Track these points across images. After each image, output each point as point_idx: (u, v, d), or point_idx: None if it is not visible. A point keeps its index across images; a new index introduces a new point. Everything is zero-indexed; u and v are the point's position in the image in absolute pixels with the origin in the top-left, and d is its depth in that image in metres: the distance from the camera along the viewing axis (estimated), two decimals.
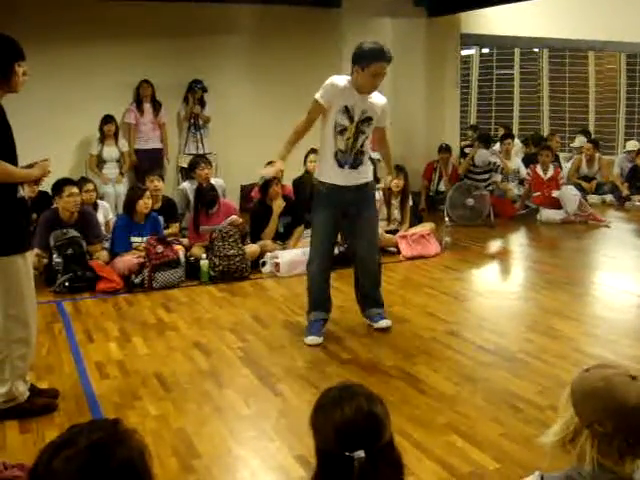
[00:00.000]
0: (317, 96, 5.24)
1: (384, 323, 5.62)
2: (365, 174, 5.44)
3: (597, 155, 12.44)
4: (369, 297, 5.70)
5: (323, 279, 5.53)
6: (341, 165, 5.31)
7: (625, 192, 11.70)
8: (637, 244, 9.30)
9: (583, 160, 12.41)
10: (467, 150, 11.29)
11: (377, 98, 5.38)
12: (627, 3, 13.18)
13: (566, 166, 12.46)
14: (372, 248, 5.58)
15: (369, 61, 5.08)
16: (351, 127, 5.26)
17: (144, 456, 1.64)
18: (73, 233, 7.00)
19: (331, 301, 5.61)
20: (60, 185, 7.11)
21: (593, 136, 13.52)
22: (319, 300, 5.53)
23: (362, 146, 5.34)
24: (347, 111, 5.23)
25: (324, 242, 5.48)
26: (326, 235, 5.48)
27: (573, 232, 9.72)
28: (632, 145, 12.99)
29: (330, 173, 5.34)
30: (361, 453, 1.80)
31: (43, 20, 9.17)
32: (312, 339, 5.36)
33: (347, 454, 1.81)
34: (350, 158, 5.31)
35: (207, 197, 7.78)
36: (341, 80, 5.26)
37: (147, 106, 9.87)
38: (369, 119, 5.31)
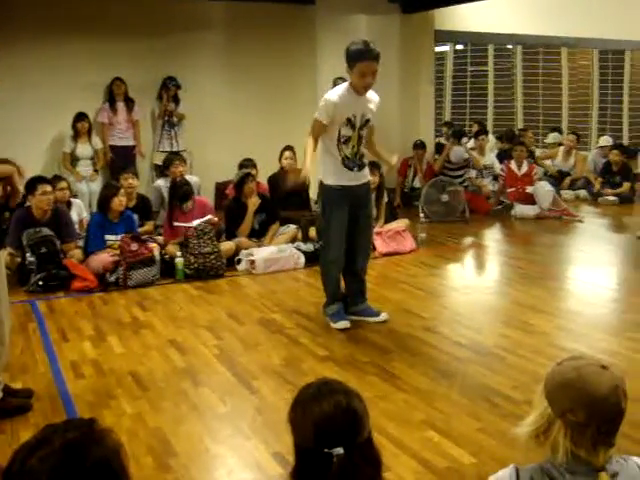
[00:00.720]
0: (316, 116, 5.38)
1: (383, 316, 5.76)
2: (367, 172, 5.73)
3: (574, 150, 12.55)
4: (360, 290, 5.85)
5: (340, 274, 5.76)
6: (350, 169, 5.49)
7: (597, 187, 11.78)
8: (610, 239, 9.37)
9: (561, 152, 12.52)
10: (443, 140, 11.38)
11: (372, 96, 5.50)
12: (599, 0, 13.27)
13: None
14: (369, 241, 5.94)
15: (354, 61, 5.17)
16: (354, 135, 5.43)
17: (120, 455, 1.63)
18: (46, 232, 6.94)
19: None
20: (33, 183, 7.04)
21: (566, 132, 13.61)
22: (338, 292, 5.77)
23: (362, 147, 5.55)
24: (350, 122, 5.38)
25: (342, 239, 5.62)
26: (343, 232, 5.61)
27: (547, 227, 9.78)
28: (605, 141, 13.10)
29: (341, 176, 5.50)
30: (340, 450, 1.79)
31: (15, 16, 9.10)
32: (344, 323, 5.60)
33: (326, 450, 1.80)
34: (357, 161, 5.51)
35: (180, 191, 7.74)
36: (335, 95, 5.36)
37: (120, 104, 9.80)
38: (368, 121, 5.48)
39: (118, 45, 9.81)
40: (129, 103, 9.84)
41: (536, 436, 1.97)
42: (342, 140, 5.39)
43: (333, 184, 5.49)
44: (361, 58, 5.15)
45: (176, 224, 7.57)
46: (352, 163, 5.47)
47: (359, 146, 5.48)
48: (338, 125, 5.35)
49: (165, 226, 7.84)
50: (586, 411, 1.86)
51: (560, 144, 12.93)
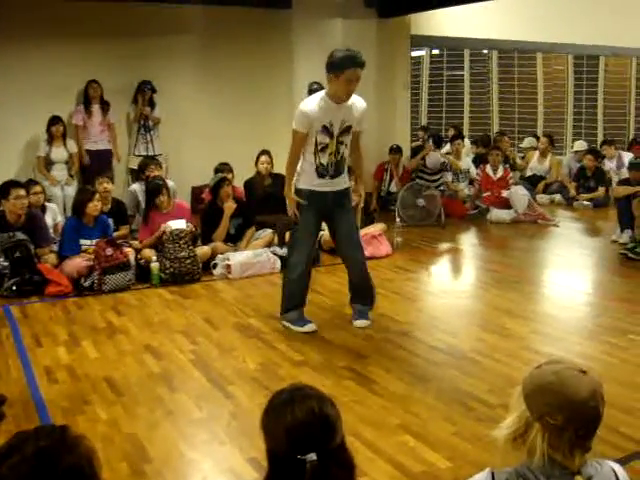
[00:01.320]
0: (294, 127, 5.40)
1: (359, 323, 5.76)
2: (344, 180, 5.64)
3: (549, 153, 12.63)
4: (357, 293, 5.90)
5: (303, 278, 5.75)
6: (322, 176, 5.51)
7: (572, 192, 11.84)
8: (585, 243, 9.43)
9: (535, 155, 12.60)
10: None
11: (357, 103, 5.50)
12: (574, 5, 13.38)
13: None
14: (353, 247, 5.77)
15: (343, 68, 5.18)
16: (332, 143, 5.43)
17: (92, 462, 1.62)
18: (20, 236, 6.88)
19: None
20: (6, 187, 6.99)
21: (541, 136, 13.69)
22: (297, 298, 5.76)
23: (342, 154, 5.53)
24: (326, 129, 5.37)
25: (307, 243, 5.67)
26: (310, 236, 5.69)
27: (523, 231, 9.83)
28: (579, 145, 13.18)
29: (310, 181, 5.53)
30: (313, 456, 1.79)
31: None
32: (310, 326, 5.65)
33: (299, 457, 1.79)
34: (331, 169, 5.50)
35: (151, 185, 7.81)
36: (311, 104, 5.39)
37: (95, 107, 9.72)
38: (349, 128, 5.47)
39: (93, 48, 9.74)
40: (104, 106, 9.77)
41: (513, 439, 1.98)
42: (319, 148, 5.40)
43: (303, 188, 5.53)
44: (351, 64, 5.18)
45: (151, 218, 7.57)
46: (325, 171, 5.47)
47: (338, 154, 5.46)
48: (315, 132, 5.36)
49: (141, 225, 7.81)
50: (565, 414, 1.87)
51: (535, 149, 13.00)
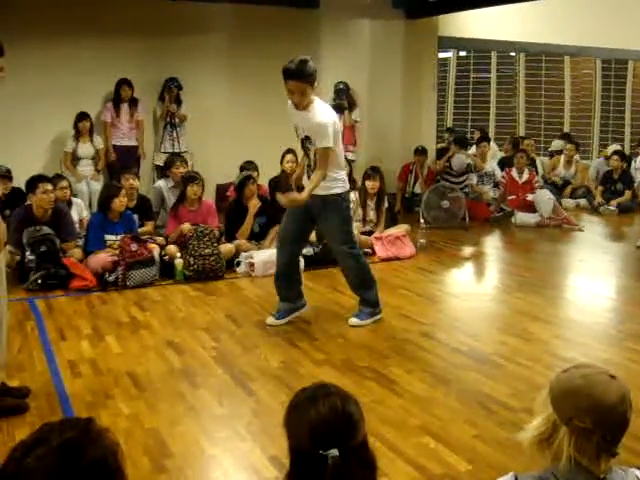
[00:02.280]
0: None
1: (352, 321, 5.77)
2: (323, 185, 5.43)
3: (576, 158, 12.55)
4: (354, 291, 5.93)
5: (283, 274, 5.82)
6: (308, 176, 5.59)
7: (599, 199, 11.68)
8: (609, 248, 9.37)
9: (562, 161, 12.51)
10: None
11: (315, 115, 5.41)
12: (603, 9, 13.28)
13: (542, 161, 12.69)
14: (338, 252, 5.81)
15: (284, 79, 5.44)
16: (300, 143, 5.66)
17: (117, 455, 1.63)
18: (47, 230, 6.94)
19: (296, 292, 5.90)
20: (34, 182, 7.06)
21: (566, 142, 13.59)
22: (281, 293, 5.87)
23: (315, 161, 5.52)
24: (296, 130, 5.64)
25: (284, 242, 5.79)
26: (288, 235, 5.77)
27: (547, 236, 9.78)
28: (613, 148, 13.03)
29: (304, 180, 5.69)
30: (335, 452, 1.79)
31: (24, 17, 9.08)
32: (270, 319, 5.81)
33: (321, 452, 1.80)
34: (310, 171, 5.57)
35: (189, 175, 8.00)
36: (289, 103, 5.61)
37: (124, 105, 9.77)
38: (308, 137, 5.53)
39: (120, 45, 9.78)
40: (133, 103, 9.81)
41: (539, 442, 1.97)
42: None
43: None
44: (284, 77, 5.49)
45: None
46: (309, 172, 5.59)
47: (308, 157, 5.57)
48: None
49: (168, 219, 7.88)
50: (593, 418, 1.87)
51: (561, 152, 12.89)
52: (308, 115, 5.38)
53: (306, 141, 5.50)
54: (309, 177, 5.53)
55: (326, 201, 5.52)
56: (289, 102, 5.49)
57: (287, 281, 5.83)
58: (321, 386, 1.99)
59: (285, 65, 5.39)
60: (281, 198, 5.44)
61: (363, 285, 5.83)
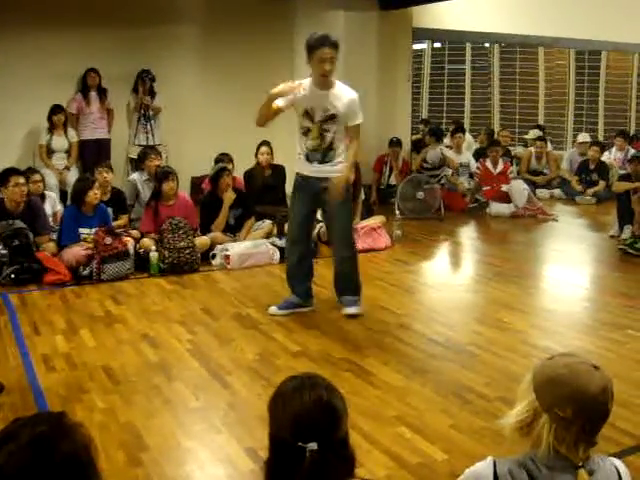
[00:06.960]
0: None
1: (351, 310, 5.78)
2: (335, 168, 5.56)
3: (547, 150, 12.60)
4: (345, 283, 5.89)
5: (295, 263, 5.87)
6: (310, 161, 5.58)
7: (578, 188, 11.72)
8: (584, 238, 9.42)
9: (532, 155, 12.55)
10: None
11: (343, 93, 5.55)
12: (576, 0, 13.34)
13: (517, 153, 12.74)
14: (343, 235, 5.82)
15: (313, 49, 5.35)
16: (314, 127, 5.49)
17: (89, 450, 1.62)
18: (19, 224, 6.88)
19: (305, 288, 5.93)
20: (6, 175, 6.99)
21: (535, 134, 13.64)
22: (290, 283, 5.93)
23: (331, 143, 5.53)
24: (307, 114, 5.48)
25: (297, 228, 5.83)
26: (299, 221, 5.80)
27: (522, 226, 9.83)
28: (583, 137, 13.09)
29: (301, 166, 5.65)
30: (314, 445, 1.79)
31: None
32: (273, 309, 5.86)
33: (300, 444, 1.80)
34: (319, 155, 5.55)
35: (163, 170, 7.87)
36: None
37: (93, 94, 9.69)
38: (332, 117, 5.47)
39: (94, 36, 9.69)
40: (102, 92, 9.74)
41: (520, 428, 1.99)
42: (302, 131, 5.55)
43: (297, 171, 5.72)
44: (320, 45, 5.34)
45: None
46: (312, 156, 5.56)
47: (322, 141, 5.50)
48: (299, 116, 5.54)
49: (144, 215, 7.77)
50: (574, 408, 1.88)
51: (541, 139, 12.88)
52: (335, 93, 5.48)
53: (326, 122, 5.47)
54: (321, 161, 5.54)
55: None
56: (304, 85, 5.48)
57: (298, 279, 5.91)
58: (309, 377, 1.99)
59: (319, 34, 5.37)
60: (335, 195, 5.47)
61: (355, 269, 5.89)
